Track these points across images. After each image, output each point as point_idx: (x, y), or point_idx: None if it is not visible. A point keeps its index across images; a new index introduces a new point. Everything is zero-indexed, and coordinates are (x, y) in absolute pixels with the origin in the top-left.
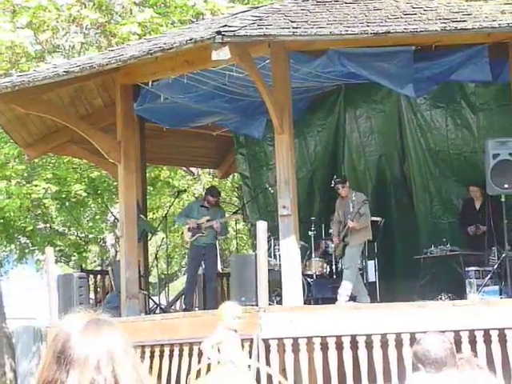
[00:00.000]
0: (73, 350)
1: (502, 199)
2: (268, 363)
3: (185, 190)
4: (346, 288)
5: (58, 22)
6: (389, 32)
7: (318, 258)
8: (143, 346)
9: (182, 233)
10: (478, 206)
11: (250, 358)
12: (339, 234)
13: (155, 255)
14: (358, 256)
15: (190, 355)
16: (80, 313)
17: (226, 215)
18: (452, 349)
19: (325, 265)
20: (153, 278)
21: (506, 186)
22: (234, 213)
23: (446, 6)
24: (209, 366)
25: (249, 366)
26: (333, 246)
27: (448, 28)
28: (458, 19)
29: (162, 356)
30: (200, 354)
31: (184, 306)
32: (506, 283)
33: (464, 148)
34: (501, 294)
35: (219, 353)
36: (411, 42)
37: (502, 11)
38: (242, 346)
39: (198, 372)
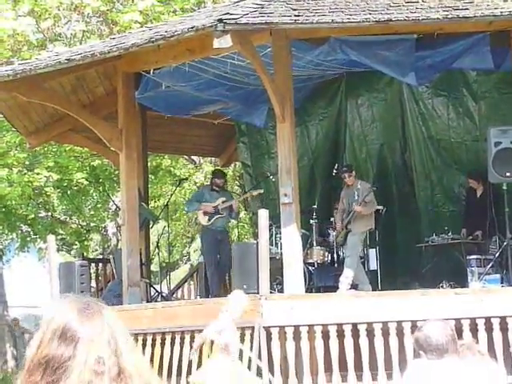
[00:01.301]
0: (77, 329)
1: (504, 187)
2: (269, 351)
3: (186, 179)
4: (347, 276)
5: (59, 10)
6: (390, 20)
7: (319, 247)
8: (145, 334)
9: (196, 218)
10: (479, 194)
11: (251, 349)
12: (342, 222)
13: (156, 244)
14: (359, 244)
15: (192, 343)
16: (70, 298)
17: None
18: (453, 335)
19: (326, 253)
20: (154, 267)
21: (508, 174)
22: (253, 188)
23: None
24: (206, 353)
25: (248, 358)
26: (334, 234)
27: (450, 16)
28: (460, 7)
29: (163, 344)
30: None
31: (211, 293)
32: (508, 271)
33: (466, 136)
34: (502, 283)
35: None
36: (413, 30)
37: None
38: (244, 334)
39: (200, 361)
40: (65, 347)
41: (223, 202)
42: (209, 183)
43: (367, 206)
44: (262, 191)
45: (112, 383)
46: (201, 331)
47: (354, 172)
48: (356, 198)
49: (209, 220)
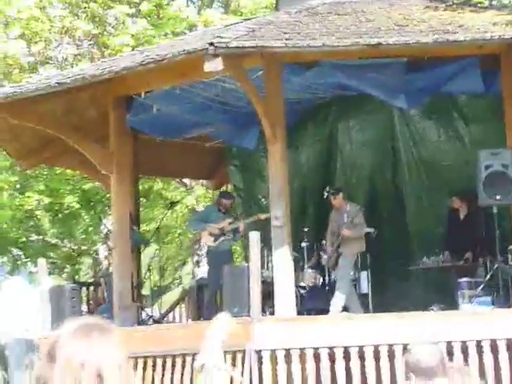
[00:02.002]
0: (60, 349)
1: (494, 210)
2: (260, 374)
3: (178, 202)
4: (339, 299)
5: (50, 33)
6: (381, 43)
7: (310, 270)
8: (136, 358)
9: (196, 241)
10: (462, 216)
11: (242, 374)
12: (333, 245)
13: (148, 267)
14: (350, 267)
15: (183, 366)
16: (80, 318)
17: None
18: (443, 358)
19: (318, 276)
20: (146, 290)
21: (498, 197)
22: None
23: (439, 17)
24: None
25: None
26: (325, 257)
27: (440, 40)
28: (450, 31)
29: (154, 367)
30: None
31: (204, 317)
32: (499, 294)
33: (456, 159)
34: (493, 305)
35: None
36: (403, 54)
37: (493, 23)
38: (235, 358)
39: None
40: (48, 368)
41: (230, 224)
42: (216, 203)
43: (356, 229)
44: (265, 216)
45: None
46: (193, 354)
47: (341, 194)
48: (345, 220)
49: (215, 241)
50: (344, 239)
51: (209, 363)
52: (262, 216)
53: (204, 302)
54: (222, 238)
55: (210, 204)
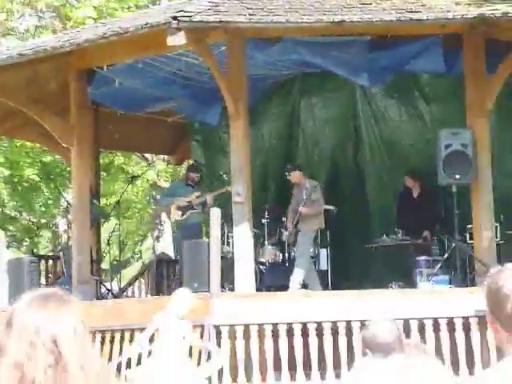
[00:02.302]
0: (16, 317)
1: (454, 189)
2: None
3: (139, 176)
4: (298, 275)
5: (12, 4)
6: (344, 21)
7: (271, 246)
8: (94, 332)
9: (169, 213)
10: (415, 195)
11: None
12: (292, 222)
13: (108, 241)
14: (310, 244)
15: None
16: (40, 289)
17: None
18: (399, 334)
19: (278, 253)
20: (105, 265)
21: (458, 176)
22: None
23: None
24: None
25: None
26: (286, 233)
27: (403, 18)
28: (413, 10)
29: (112, 341)
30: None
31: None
32: (456, 273)
33: (417, 138)
34: (450, 284)
35: (153, 343)
36: (366, 32)
37: (456, 2)
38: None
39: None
40: (5, 335)
41: (197, 197)
42: (184, 177)
43: (313, 206)
44: (229, 189)
45: (47, 369)
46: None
47: (297, 171)
48: (304, 197)
49: (182, 215)
50: (302, 216)
51: (164, 329)
52: (230, 188)
53: (163, 276)
54: (189, 212)
55: (177, 180)
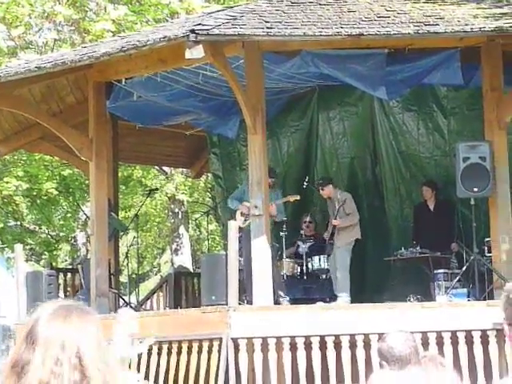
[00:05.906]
0: (39, 331)
1: (472, 202)
2: (237, 363)
3: (157, 189)
4: (343, 288)
5: (31, 17)
6: (362, 34)
7: (288, 259)
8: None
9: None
10: (432, 207)
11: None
12: (328, 234)
13: (126, 254)
14: (347, 255)
15: (159, 354)
16: (57, 301)
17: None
18: (416, 347)
19: (295, 265)
20: (124, 278)
21: (476, 189)
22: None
23: (420, 9)
24: None
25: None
26: (303, 246)
27: (421, 31)
28: (431, 23)
29: None
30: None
31: (245, 300)
32: (474, 286)
33: (435, 151)
34: (468, 297)
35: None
36: (384, 45)
37: (474, 15)
38: (211, 346)
39: None
40: (27, 350)
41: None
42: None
43: (348, 217)
44: (298, 197)
45: None
46: (169, 342)
47: (330, 186)
48: (337, 209)
49: (244, 221)
50: (337, 228)
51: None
52: (292, 198)
53: (181, 289)
54: (250, 220)
55: (245, 182)
